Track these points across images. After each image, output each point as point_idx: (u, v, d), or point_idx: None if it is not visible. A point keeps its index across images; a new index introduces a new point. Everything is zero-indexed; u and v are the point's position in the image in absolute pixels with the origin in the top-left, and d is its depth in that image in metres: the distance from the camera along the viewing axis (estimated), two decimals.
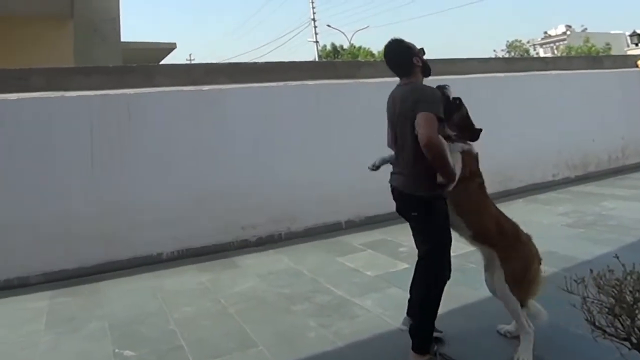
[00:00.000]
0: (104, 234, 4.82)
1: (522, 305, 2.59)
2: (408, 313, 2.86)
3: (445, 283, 2.64)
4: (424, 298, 2.63)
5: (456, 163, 2.56)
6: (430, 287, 2.61)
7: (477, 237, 2.66)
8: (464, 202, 2.62)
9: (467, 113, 2.76)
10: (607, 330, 2.02)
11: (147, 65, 6.12)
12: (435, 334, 2.76)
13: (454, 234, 2.68)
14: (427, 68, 2.72)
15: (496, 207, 2.74)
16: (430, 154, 2.40)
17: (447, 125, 2.67)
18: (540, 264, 2.67)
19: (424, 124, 2.39)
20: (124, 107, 5.04)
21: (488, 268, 2.74)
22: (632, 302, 1.92)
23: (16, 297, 4.20)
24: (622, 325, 1.95)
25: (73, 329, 3.44)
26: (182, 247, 5.12)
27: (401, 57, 2.67)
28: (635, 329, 1.92)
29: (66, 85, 5.01)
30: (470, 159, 2.68)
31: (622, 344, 1.98)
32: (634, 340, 1.93)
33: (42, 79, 4.95)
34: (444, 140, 2.51)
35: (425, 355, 2.56)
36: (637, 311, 1.91)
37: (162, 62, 13.52)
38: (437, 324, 2.70)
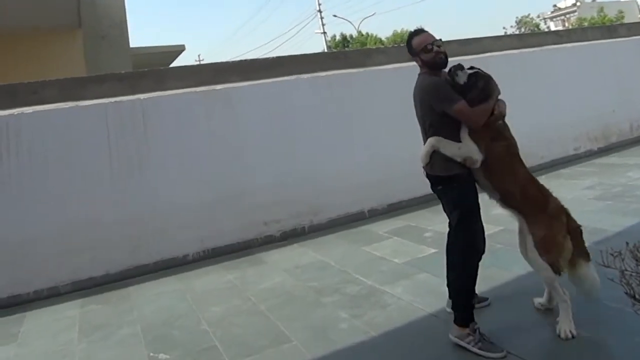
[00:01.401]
0: (129, 239, 4.86)
1: (556, 272, 2.55)
2: (450, 296, 2.86)
3: (479, 254, 2.70)
4: (459, 268, 2.71)
5: (468, 144, 2.64)
6: (465, 256, 2.69)
7: (504, 199, 2.70)
8: (489, 164, 2.65)
9: (484, 86, 2.69)
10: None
11: (158, 69, 6.12)
12: (482, 304, 2.97)
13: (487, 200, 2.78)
14: (430, 66, 2.77)
15: (526, 172, 2.72)
16: (484, 122, 2.63)
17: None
18: (570, 232, 2.63)
19: (463, 117, 2.63)
20: (139, 113, 5.06)
21: (520, 233, 2.78)
22: None
23: (47, 308, 4.25)
24: None
25: (106, 335, 3.47)
26: (207, 247, 5.13)
27: (409, 54, 2.89)
28: None
29: (80, 95, 5.04)
30: (492, 127, 2.67)
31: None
32: None
33: (55, 91, 4.98)
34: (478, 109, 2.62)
35: (465, 329, 2.60)
36: None
37: (172, 64, 13.58)
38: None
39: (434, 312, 3.07)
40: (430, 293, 3.36)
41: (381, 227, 5.41)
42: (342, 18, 54.92)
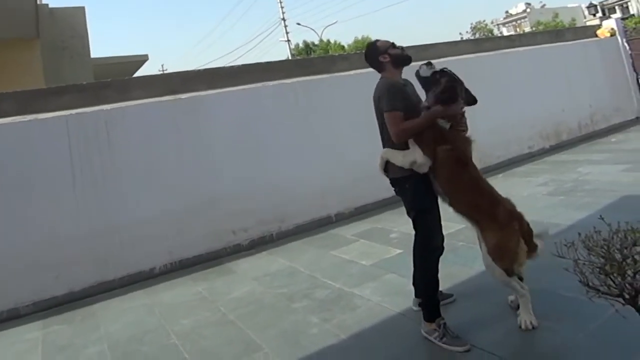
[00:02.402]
0: (93, 255, 4.74)
1: (510, 275, 2.64)
2: (416, 294, 3.01)
3: (437, 251, 2.82)
4: (420, 266, 2.86)
5: (414, 148, 2.74)
6: (423, 253, 2.83)
7: (452, 205, 2.76)
8: (437, 170, 2.73)
9: (445, 86, 2.74)
10: (601, 289, 2.05)
11: (122, 79, 6.00)
12: (447, 301, 3.09)
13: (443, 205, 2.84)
14: (399, 60, 2.94)
15: (473, 178, 2.76)
16: (406, 138, 2.76)
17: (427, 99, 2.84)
18: (524, 237, 2.67)
19: (389, 124, 2.76)
20: (102, 124, 4.96)
21: (478, 239, 2.82)
22: (621, 260, 1.96)
23: (7, 331, 4.09)
24: (613, 282, 1.99)
25: (71, 356, 3.37)
26: (174, 259, 5.07)
27: (370, 57, 3.00)
28: (627, 285, 1.96)
29: (39, 107, 4.88)
30: (431, 129, 2.72)
31: (616, 300, 2.04)
32: (627, 296, 1.98)
33: (13, 104, 4.81)
34: (407, 124, 2.73)
35: (432, 324, 2.72)
36: (626, 268, 1.95)
37: (135, 74, 13.29)
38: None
39: (402, 311, 3.14)
40: (398, 293, 3.44)
41: (348, 230, 5.49)
42: (305, 26, 55.36)
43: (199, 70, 6.21)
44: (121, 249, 4.85)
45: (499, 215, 2.66)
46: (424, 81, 2.85)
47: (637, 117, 9.96)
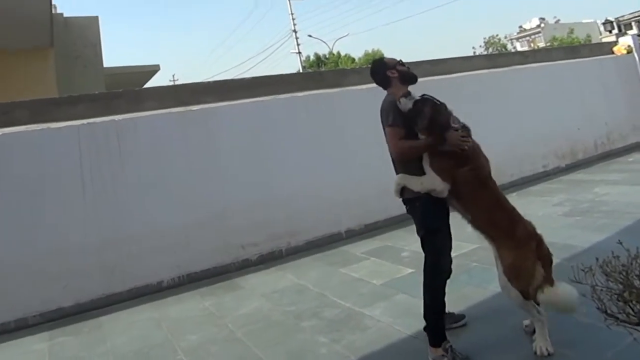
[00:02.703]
0: (101, 266, 4.72)
1: (526, 298, 2.57)
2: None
3: (443, 273, 2.77)
4: (426, 289, 2.78)
5: (431, 175, 2.70)
6: (430, 274, 2.78)
7: (473, 222, 2.72)
8: (456, 189, 2.69)
9: (431, 115, 2.69)
10: (619, 317, 1.99)
11: (133, 89, 6.04)
12: (459, 323, 3.03)
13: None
14: (406, 77, 2.93)
15: (494, 196, 2.73)
16: (404, 158, 2.78)
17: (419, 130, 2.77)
18: (541, 260, 2.60)
19: (388, 140, 2.80)
20: (113, 134, 4.97)
21: (495, 259, 2.76)
22: None
23: (15, 341, 4.06)
24: (632, 310, 1.93)
25: None
26: (182, 273, 5.03)
27: (377, 72, 3.00)
28: None
29: (52, 117, 4.92)
30: (445, 156, 2.68)
31: (635, 328, 1.96)
32: None
33: (26, 112, 4.86)
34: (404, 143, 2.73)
35: (438, 349, 2.64)
36: None
37: (147, 84, 13.46)
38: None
39: (413, 334, 3.06)
40: (409, 314, 3.35)
41: (358, 247, 5.42)
42: (316, 38, 55.92)
43: (210, 82, 6.24)
44: (129, 261, 4.83)
45: (517, 233, 2.61)
46: (408, 114, 2.75)
47: None
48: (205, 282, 4.97)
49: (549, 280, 2.60)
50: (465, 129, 2.74)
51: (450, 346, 2.63)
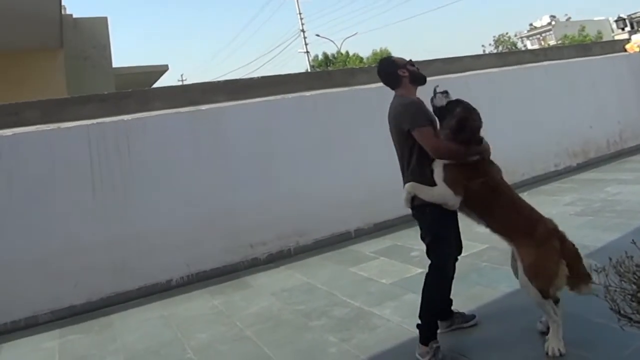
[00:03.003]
0: (111, 264, 4.75)
1: (545, 297, 2.53)
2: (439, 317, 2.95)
3: (446, 279, 2.79)
4: (425, 291, 2.78)
5: (442, 187, 2.67)
6: (433, 280, 2.77)
7: (490, 227, 2.70)
8: (469, 201, 2.68)
9: (462, 117, 2.68)
10: (633, 317, 1.99)
11: (142, 89, 6.09)
12: (470, 323, 3.01)
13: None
14: (416, 77, 2.89)
15: (510, 199, 2.70)
16: (445, 157, 2.68)
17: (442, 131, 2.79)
18: (566, 258, 2.54)
19: (423, 140, 2.67)
20: (123, 134, 5.00)
21: (512, 256, 2.75)
22: None
23: (25, 339, 4.09)
24: None
25: None
26: (191, 272, 5.04)
27: (387, 71, 2.93)
28: None
29: (62, 117, 4.97)
30: (461, 168, 2.67)
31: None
32: None
33: (36, 112, 4.91)
34: (450, 145, 2.68)
35: (425, 347, 2.68)
36: None
37: (155, 84, 13.54)
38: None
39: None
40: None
41: (368, 247, 5.40)
42: (324, 37, 55.71)
43: (219, 82, 6.26)
44: (139, 259, 4.85)
45: (537, 232, 2.58)
46: (439, 110, 2.79)
47: None
48: (214, 280, 4.98)
49: (582, 278, 2.54)
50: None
51: (438, 347, 2.66)
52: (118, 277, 4.75)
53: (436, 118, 2.84)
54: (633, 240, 2.08)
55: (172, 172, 5.16)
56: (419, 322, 2.75)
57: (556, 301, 2.61)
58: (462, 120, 2.67)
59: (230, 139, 5.50)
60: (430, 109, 2.85)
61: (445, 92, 2.78)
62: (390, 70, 2.90)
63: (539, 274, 2.52)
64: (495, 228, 2.69)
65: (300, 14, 35.99)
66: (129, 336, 3.81)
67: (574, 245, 2.61)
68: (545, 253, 2.53)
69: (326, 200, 5.79)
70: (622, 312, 2.01)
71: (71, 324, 4.29)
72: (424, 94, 2.93)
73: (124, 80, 11.62)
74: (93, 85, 8.51)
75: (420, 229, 2.84)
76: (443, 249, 2.76)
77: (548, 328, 2.64)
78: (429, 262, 2.81)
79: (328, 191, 5.84)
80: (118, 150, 4.97)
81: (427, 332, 2.71)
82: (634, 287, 1.98)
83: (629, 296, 2.00)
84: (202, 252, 5.10)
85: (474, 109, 2.73)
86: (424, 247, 4.38)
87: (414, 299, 3.60)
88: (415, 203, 2.78)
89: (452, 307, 3.04)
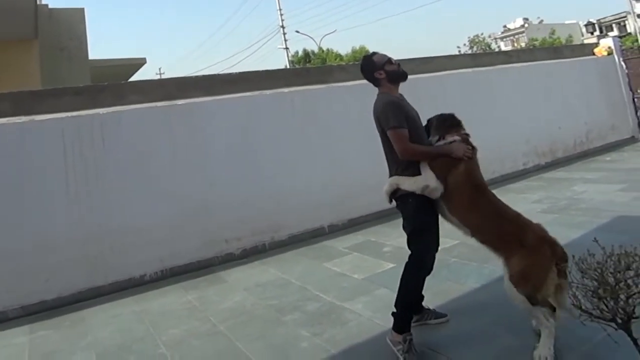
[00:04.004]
0: (84, 260, 4.70)
1: (534, 304, 2.45)
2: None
3: (425, 271, 2.80)
4: (403, 282, 2.82)
5: (425, 172, 2.70)
6: (412, 270, 2.80)
7: (475, 235, 2.65)
8: (454, 199, 2.67)
9: (436, 122, 2.88)
10: (593, 313, 2.05)
11: (118, 83, 5.98)
12: (441, 320, 3.06)
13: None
14: (394, 76, 2.92)
15: (493, 204, 2.65)
16: (412, 158, 2.76)
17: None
18: (559, 263, 2.44)
19: (394, 141, 2.73)
20: (98, 128, 4.94)
21: (503, 265, 2.64)
22: (614, 284, 1.96)
23: None
24: (606, 306, 2.00)
25: None
26: (165, 267, 5.03)
27: (366, 72, 2.97)
28: (619, 310, 1.97)
29: (35, 109, 4.86)
30: (451, 159, 2.70)
31: (609, 325, 2.03)
32: (619, 320, 1.98)
33: (9, 104, 4.79)
34: (417, 147, 2.76)
35: (399, 336, 2.72)
36: (619, 292, 1.96)
37: (132, 78, 13.26)
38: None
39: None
40: (390, 308, 3.32)
41: (341, 242, 5.48)
42: (304, 34, 55.66)
43: (196, 77, 6.21)
44: (112, 255, 4.82)
45: (527, 240, 2.50)
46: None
47: (632, 136, 10.03)
48: (188, 276, 4.98)
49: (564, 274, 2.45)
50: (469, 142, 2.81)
51: (411, 339, 2.69)
52: (91, 273, 4.71)
53: (417, 113, 2.92)
54: (595, 238, 2.14)
55: (148, 167, 5.13)
56: (394, 310, 2.80)
57: (553, 308, 2.50)
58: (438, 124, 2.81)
59: (207, 134, 5.49)
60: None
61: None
62: (368, 71, 2.95)
63: (526, 281, 2.44)
64: (482, 237, 2.63)
65: (280, 10, 35.81)
66: (101, 332, 3.79)
67: (563, 250, 2.52)
68: (533, 260, 2.44)
69: (301, 196, 5.85)
70: (583, 307, 2.07)
71: (42, 320, 4.24)
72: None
73: (101, 73, 11.35)
74: (68, 77, 8.28)
75: (403, 219, 2.87)
76: (423, 240, 2.78)
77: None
78: (410, 253, 2.83)
79: (303, 187, 5.89)
80: (93, 144, 4.91)
81: (401, 321, 2.75)
82: (595, 283, 2.04)
83: (590, 292, 2.05)
84: (177, 248, 5.09)
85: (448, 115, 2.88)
86: (396, 242, 4.48)
87: (386, 294, 3.70)
88: (398, 194, 2.80)
89: (423, 303, 3.10)
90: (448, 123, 2.88)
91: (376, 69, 2.91)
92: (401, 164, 2.78)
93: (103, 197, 4.87)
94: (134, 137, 5.11)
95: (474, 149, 2.78)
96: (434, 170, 2.67)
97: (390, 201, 2.87)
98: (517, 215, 2.62)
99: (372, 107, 2.92)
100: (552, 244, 2.52)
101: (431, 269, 2.83)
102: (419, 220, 2.77)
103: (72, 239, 4.67)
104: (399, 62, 2.96)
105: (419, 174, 2.73)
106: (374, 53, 3.03)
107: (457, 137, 2.79)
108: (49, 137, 4.73)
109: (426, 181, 2.67)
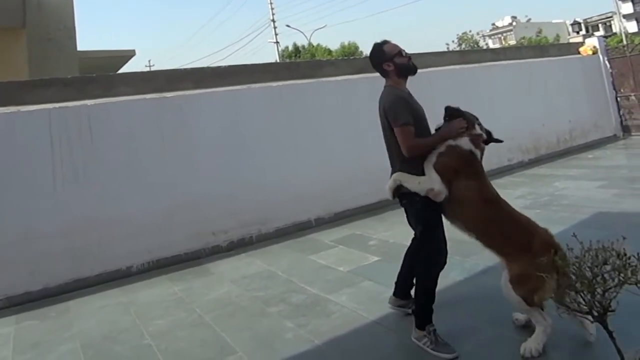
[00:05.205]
0: (70, 251, 4.69)
1: (530, 305, 2.46)
2: (395, 293, 3.11)
3: (439, 265, 2.79)
4: (422, 279, 2.79)
5: (430, 174, 2.67)
6: (427, 268, 2.78)
7: (481, 240, 2.65)
8: (463, 210, 2.66)
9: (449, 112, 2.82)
10: (571, 306, 2.12)
11: (107, 74, 5.95)
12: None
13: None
14: (403, 70, 2.84)
15: (501, 210, 2.64)
16: (418, 153, 2.72)
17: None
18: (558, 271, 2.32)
19: (400, 139, 2.69)
20: (85, 119, 4.91)
21: (501, 265, 2.69)
22: (591, 278, 2.02)
23: None
24: (583, 300, 2.06)
25: (42, 353, 3.33)
26: (152, 259, 5.04)
27: (375, 62, 2.89)
28: (596, 303, 2.02)
29: (23, 99, 4.82)
30: (454, 157, 2.67)
31: (585, 317, 2.10)
32: (595, 313, 2.04)
33: None
34: (420, 141, 2.73)
35: (422, 331, 2.73)
36: (596, 286, 2.01)
37: (121, 69, 13.09)
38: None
39: (376, 319, 3.18)
40: (373, 300, 3.48)
41: (327, 235, 5.54)
42: (294, 29, 55.39)
43: (185, 69, 6.20)
44: (99, 246, 4.81)
45: (534, 246, 2.48)
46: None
47: (614, 135, 10.23)
48: (175, 267, 5.01)
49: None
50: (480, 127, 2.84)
51: (434, 330, 2.70)
52: (77, 264, 4.70)
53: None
54: (574, 233, 2.18)
55: (135, 159, 5.12)
56: (413, 307, 2.81)
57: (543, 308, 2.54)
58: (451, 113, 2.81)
59: (195, 127, 5.49)
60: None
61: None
62: (376, 62, 2.87)
63: (524, 284, 2.44)
64: (485, 240, 2.63)
65: (271, 3, 35.62)
66: (86, 322, 3.80)
67: (565, 255, 2.40)
68: (536, 265, 2.35)
69: (289, 190, 5.89)
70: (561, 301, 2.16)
71: (27, 310, 4.24)
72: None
73: (89, 65, 11.19)
74: (57, 68, 8.13)
75: (408, 216, 2.85)
76: (435, 236, 2.75)
77: (525, 325, 2.72)
78: (418, 250, 2.84)
79: (291, 181, 5.93)
80: (80, 136, 4.88)
81: (422, 317, 2.74)
82: (573, 277, 2.09)
83: (568, 286, 2.11)
84: (164, 240, 5.11)
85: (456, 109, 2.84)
86: (381, 236, 4.54)
87: (370, 286, 3.78)
88: (403, 191, 2.75)
89: (412, 292, 3.06)
90: (446, 114, 2.83)
91: (385, 60, 2.82)
92: (405, 160, 2.73)
93: (90, 189, 4.86)
94: (122, 129, 5.10)
95: (480, 137, 2.77)
96: (438, 173, 2.64)
97: (394, 197, 2.82)
98: (527, 221, 2.62)
99: (378, 100, 2.86)
100: (557, 248, 2.45)
101: (444, 263, 2.81)
102: (428, 218, 2.73)
103: (59, 230, 4.65)
104: (410, 55, 2.87)
105: (423, 171, 2.70)
106: (385, 42, 2.91)
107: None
108: (36, 127, 4.70)
109: (431, 184, 2.64)
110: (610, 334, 2.04)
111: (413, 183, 2.69)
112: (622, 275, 1.94)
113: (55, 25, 8.69)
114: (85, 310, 4.12)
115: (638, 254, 1.90)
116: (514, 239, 2.57)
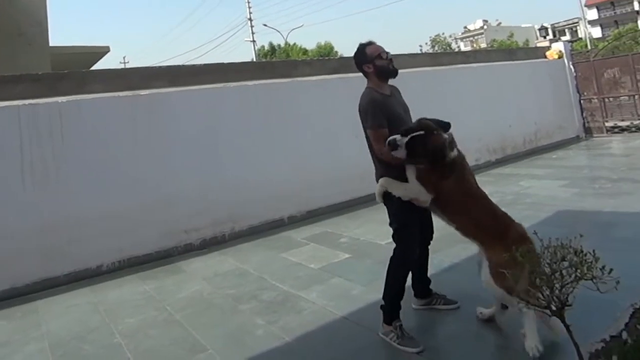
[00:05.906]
0: (39, 250, 4.61)
1: (512, 294, 2.44)
2: (415, 294, 3.20)
3: (409, 262, 2.88)
4: (392, 275, 2.87)
5: (413, 183, 2.71)
6: (398, 264, 2.85)
7: (460, 230, 2.74)
8: (442, 201, 2.72)
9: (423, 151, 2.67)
10: (530, 300, 2.18)
11: (79, 71, 5.84)
12: (446, 307, 3.13)
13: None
14: (383, 72, 2.86)
15: (481, 204, 2.73)
16: (386, 161, 2.76)
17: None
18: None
19: (372, 142, 2.78)
20: (56, 116, 4.83)
21: (478, 256, 2.79)
22: (550, 274, 2.08)
23: None
24: (542, 295, 2.11)
25: (9, 354, 3.29)
26: (123, 257, 5.00)
27: (357, 63, 2.94)
28: (554, 298, 2.09)
29: None
30: (438, 173, 2.69)
31: (544, 312, 2.19)
32: (554, 308, 2.11)
33: None
34: (383, 151, 2.72)
35: (389, 326, 2.81)
36: (554, 281, 2.07)
37: (95, 66, 12.78)
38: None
39: (345, 315, 3.25)
40: (343, 297, 3.56)
41: (300, 233, 5.60)
42: (271, 28, 55.03)
43: (160, 67, 6.15)
44: (69, 245, 4.75)
45: (508, 236, 2.57)
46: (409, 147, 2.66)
47: (577, 136, 10.64)
48: (147, 266, 4.99)
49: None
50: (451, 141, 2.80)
51: (400, 325, 2.78)
52: (46, 263, 4.63)
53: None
54: (535, 231, 2.26)
55: (108, 157, 5.07)
56: (382, 303, 2.86)
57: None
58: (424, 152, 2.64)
59: (169, 125, 5.47)
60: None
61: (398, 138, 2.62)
62: (358, 63, 2.90)
63: (504, 275, 2.46)
64: (465, 231, 2.72)
65: (248, 2, 35.37)
66: (54, 322, 3.76)
67: (534, 249, 2.53)
68: (512, 254, 2.43)
69: (262, 188, 5.92)
70: (520, 295, 2.23)
71: None
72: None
73: (62, 61, 10.88)
74: (27, 64, 7.91)
75: (388, 215, 2.91)
76: (407, 235, 2.81)
77: (488, 319, 2.82)
78: (396, 246, 2.88)
79: (264, 179, 5.97)
80: (51, 133, 4.80)
81: (390, 312, 2.82)
82: (532, 273, 2.13)
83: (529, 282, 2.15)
84: (136, 238, 5.07)
85: (427, 133, 2.65)
86: (352, 234, 4.63)
87: (340, 283, 3.86)
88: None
89: (431, 287, 3.19)
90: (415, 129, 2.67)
91: (366, 61, 2.85)
92: (388, 164, 2.77)
93: (61, 187, 4.79)
94: (94, 126, 5.03)
95: (459, 156, 2.76)
96: (421, 182, 2.68)
97: (382, 201, 2.88)
98: (503, 214, 2.73)
99: (357, 101, 2.90)
100: (530, 243, 2.51)
101: (415, 261, 2.91)
102: (404, 217, 2.80)
103: (27, 228, 4.57)
104: (392, 57, 2.88)
105: (404, 173, 2.73)
106: (370, 43, 2.92)
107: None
108: (4, 124, 4.59)
109: (417, 195, 2.70)
110: (567, 327, 2.11)
111: (399, 190, 2.75)
112: (578, 271, 1.99)
113: (26, 20, 8.44)
114: (54, 309, 4.07)
115: (594, 250, 1.97)
116: (491, 228, 2.66)
